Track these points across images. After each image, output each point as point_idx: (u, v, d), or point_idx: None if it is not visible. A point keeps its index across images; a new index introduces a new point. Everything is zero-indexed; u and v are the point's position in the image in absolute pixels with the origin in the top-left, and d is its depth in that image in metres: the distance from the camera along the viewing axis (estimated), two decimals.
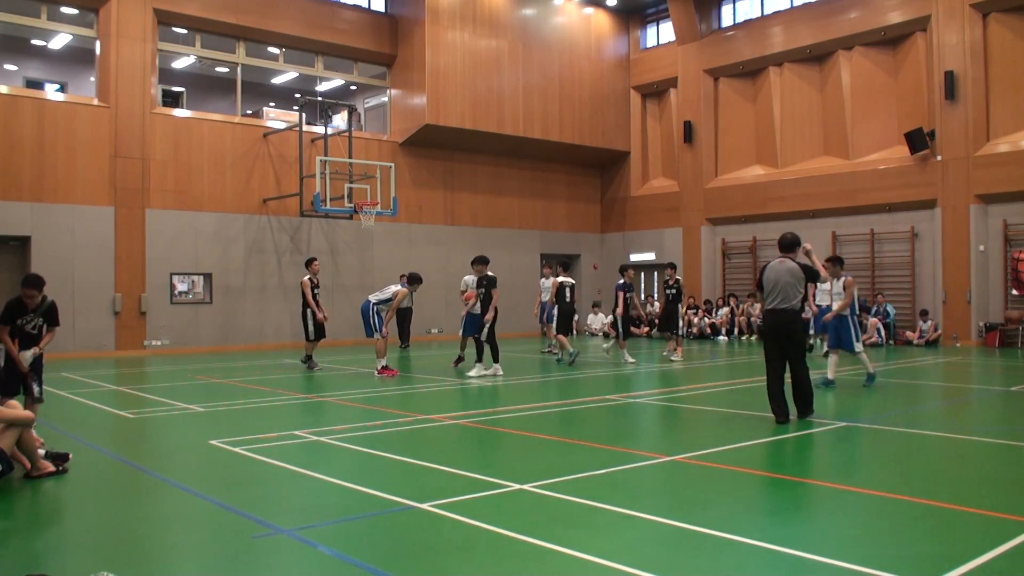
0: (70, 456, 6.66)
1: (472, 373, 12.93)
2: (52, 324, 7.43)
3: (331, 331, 20.47)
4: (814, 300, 14.87)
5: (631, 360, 15.25)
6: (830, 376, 11.29)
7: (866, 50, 21.25)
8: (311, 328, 14.26)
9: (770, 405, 8.57)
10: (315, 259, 14.91)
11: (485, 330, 13.07)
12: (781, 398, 8.54)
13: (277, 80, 23.76)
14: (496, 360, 13.15)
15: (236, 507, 5.35)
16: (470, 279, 14.15)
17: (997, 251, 18.97)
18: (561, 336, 15.35)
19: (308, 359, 14.41)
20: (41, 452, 6.50)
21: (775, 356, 8.60)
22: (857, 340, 11.34)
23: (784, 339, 8.57)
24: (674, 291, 16.25)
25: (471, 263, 13.54)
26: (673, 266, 16.82)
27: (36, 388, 7.28)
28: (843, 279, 11.80)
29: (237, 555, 4.50)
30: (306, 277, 14.41)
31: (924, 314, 19.44)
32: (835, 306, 13.55)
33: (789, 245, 8.76)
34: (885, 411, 9.36)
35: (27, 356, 7.23)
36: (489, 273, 13.21)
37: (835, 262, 13.77)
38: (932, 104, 19.84)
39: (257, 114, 21.60)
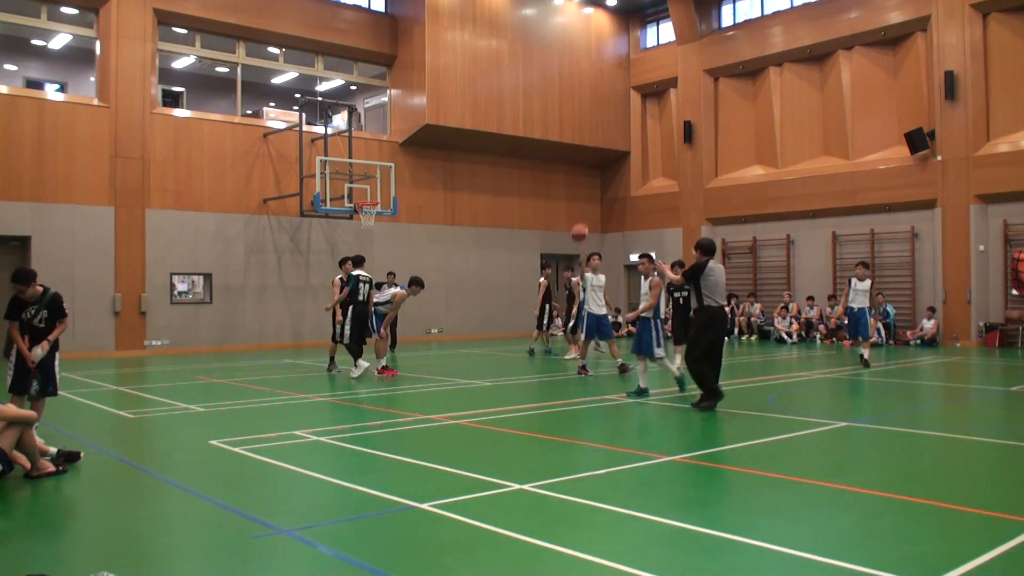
0: (81, 455, 6.79)
1: (355, 373, 12.63)
2: (58, 316, 7.31)
3: (331, 331, 20.53)
4: (847, 300, 14.64)
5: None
6: (642, 385, 10.49)
7: (866, 50, 21.25)
8: (339, 330, 13.44)
9: (708, 393, 9.26)
10: (349, 259, 14.14)
11: (347, 332, 12.56)
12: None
13: (277, 80, 23.76)
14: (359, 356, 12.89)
15: (236, 507, 5.35)
16: (591, 276, 13.05)
17: (997, 251, 18.96)
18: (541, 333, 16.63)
19: (357, 360, 13.74)
20: (53, 450, 6.62)
21: (714, 347, 9.42)
22: (659, 346, 10.44)
23: (722, 332, 9.58)
24: (685, 294, 13.16)
25: (344, 261, 13.34)
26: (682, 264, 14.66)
27: (35, 385, 7.22)
28: (651, 278, 10.85)
29: (237, 555, 4.50)
30: (337, 277, 13.85)
31: (932, 310, 19.39)
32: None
33: (715, 248, 9.72)
34: (885, 411, 9.36)
35: (37, 352, 7.15)
36: (354, 273, 12.88)
37: (866, 265, 14.79)
38: (932, 104, 19.84)
39: (257, 114, 21.60)
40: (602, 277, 13.05)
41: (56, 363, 7.44)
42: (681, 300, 14.39)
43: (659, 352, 10.48)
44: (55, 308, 7.29)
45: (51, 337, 7.24)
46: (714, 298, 9.37)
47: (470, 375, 13.31)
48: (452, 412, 9.34)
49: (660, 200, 25.42)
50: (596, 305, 12.82)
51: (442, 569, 4.24)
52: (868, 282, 14.49)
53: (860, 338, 14.56)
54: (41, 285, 7.34)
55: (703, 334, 9.39)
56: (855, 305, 14.45)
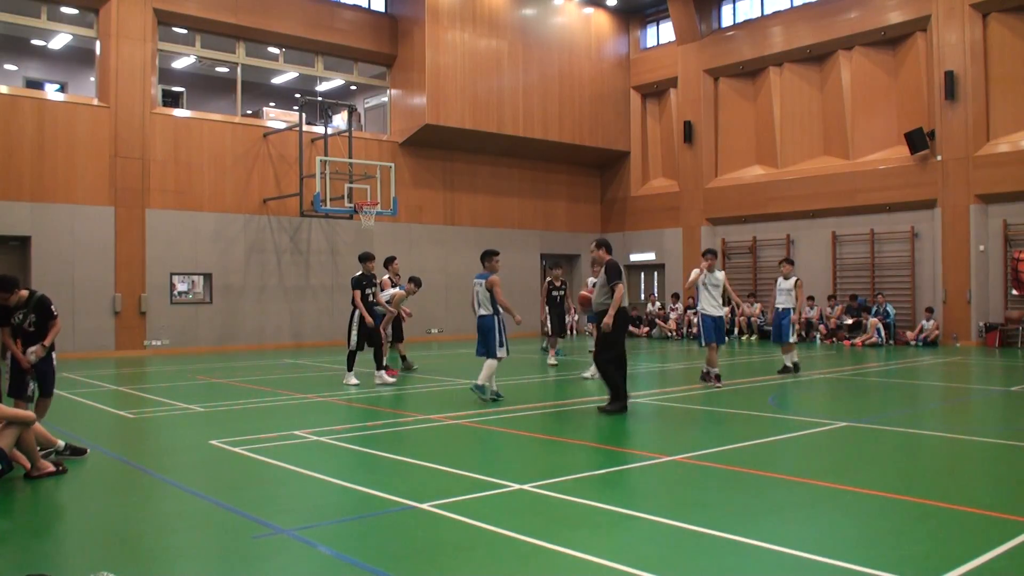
0: (87, 451, 6.98)
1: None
2: (46, 318, 7.27)
3: (331, 332, 20.61)
4: (774, 302, 13.31)
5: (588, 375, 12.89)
6: (489, 384, 10.09)
7: (866, 50, 21.25)
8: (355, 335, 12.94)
9: (616, 395, 9.10)
10: (395, 258, 14.04)
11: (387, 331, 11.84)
12: None
13: (277, 80, 23.75)
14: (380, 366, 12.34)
15: (236, 507, 5.35)
16: (703, 273, 11.86)
17: (997, 251, 18.96)
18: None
19: (404, 360, 13.93)
20: (61, 443, 6.77)
21: (622, 348, 9.31)
22: (501, 346, 10.04)
23: (626, 332, 9.55)
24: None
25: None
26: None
27: (31, 386, 7.24)
28: (492, 276, 10.21)
29: (237, 555, 4.50)
30: (385, 276, 13.61)
31: (930, 311, 19.38)
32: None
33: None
34: (885, 411, 9.36)
35: (30, 356, 7.16)
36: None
37: (791, 261, 13.54)
38: (932, 104, 19.84)
39: (257, 114, 21.60)
40: (719, 275, 11.79)
41: (53, 364, 7.45)
42: (558, 298, 14.22)
43: (501, 352, 10.04)
44: (43, 311, 7.27)
45: (46, 341, 7.22)
46: (625, 299, 9.32)
47: (470, 375, 13.27)
48: (452, 412, 9.34)
49: (660, 200, 25.42)
50: (712, 307, 11.70)
51: (442, 569, 4.24)
52: (793, 280, 13.14)
53: (781, 342, 13.19)
54: (27, 289, 7.33)
55: (614, 335, 9.15)
56: (779, 306, 13.19)
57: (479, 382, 10.04)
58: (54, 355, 7.45)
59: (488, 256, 10.36)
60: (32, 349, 7.17)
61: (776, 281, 13.53)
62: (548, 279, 15.45)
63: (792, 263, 13.62)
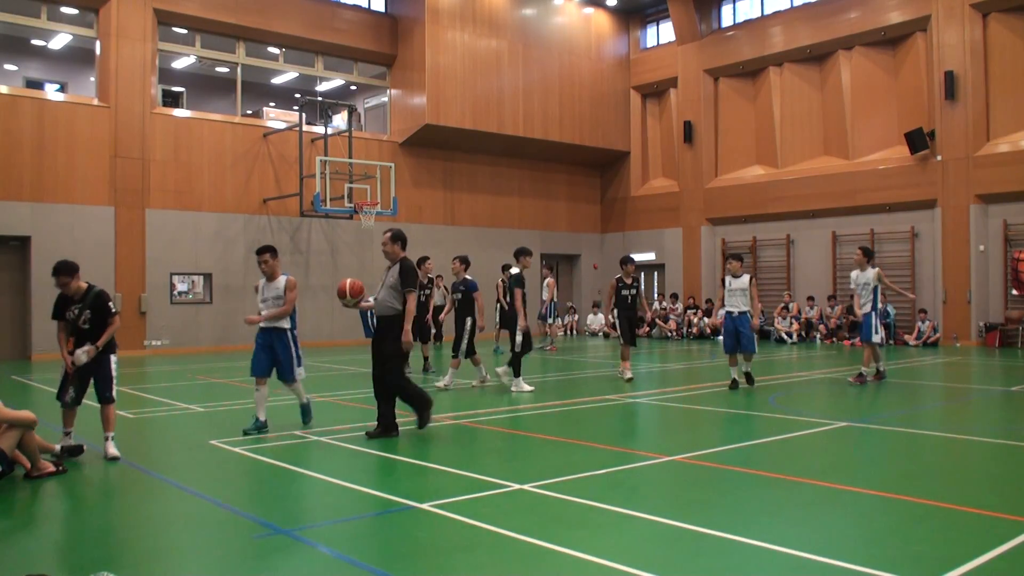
0: (84, 448, 6.96)
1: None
2: (103, 315, 6.81)
3: (330, 332, 20.59)
4: (721, 307, 11.79)
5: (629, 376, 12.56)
6: (261, 417, 8.12)
7: (866, 50, 21.25)
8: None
9: (424, 409, 7.93)
10: (427, 258, 13.88)
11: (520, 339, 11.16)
12: None
13: (277, 80, 23.76)
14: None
15: (236, 507, 5.35)
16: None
17: (997, 251, 18.96)
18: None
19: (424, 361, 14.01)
20: (57, 447, 6.73)
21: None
22: (299, 366, 8.30)
23: None
24: (634, 292, 12.55)
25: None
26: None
27: (71, 392, 6.85)
28: (287, 279, 8.82)
29: (237, 555, 4.50)
30: (500, 280, 13.59)
31: (923, 312, 19.41)
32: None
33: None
34: (885, 411, 9.36)
35: (81, 357, 6.69)
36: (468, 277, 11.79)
37: (739, 258, 11.74)
38: (932, 104, 19.84)
39: (257, 114, 21.59)
40: (871, 273, 11.80)
41: (113, 366, 6.96)
42: (629, 298, 12.33)
43: (300, 372, 8.31)
44: (99, 307, 6.82)
45: (100, 342, 6.77)
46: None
47: (470, 375, 13.29)
48: (452, 412, 9.34)
49: (660, 200, 25.43)
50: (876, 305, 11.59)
51: (442, 569, 4.24)
52: (746, 278, 11.39)
53: (744, 352, 11.50)
54: (86, 282, 6.96)
55: (396, 347, 7.84)
56: (735, 309, 11.37)
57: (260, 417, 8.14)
58: (113, 357, 6.97)
59: (259, 251, 8.61)
60: (83, 349, 6.72)
61: (724, 281, 11.68)
62: (617, 276, 12.64)
63: (741, 259, 11.78)
